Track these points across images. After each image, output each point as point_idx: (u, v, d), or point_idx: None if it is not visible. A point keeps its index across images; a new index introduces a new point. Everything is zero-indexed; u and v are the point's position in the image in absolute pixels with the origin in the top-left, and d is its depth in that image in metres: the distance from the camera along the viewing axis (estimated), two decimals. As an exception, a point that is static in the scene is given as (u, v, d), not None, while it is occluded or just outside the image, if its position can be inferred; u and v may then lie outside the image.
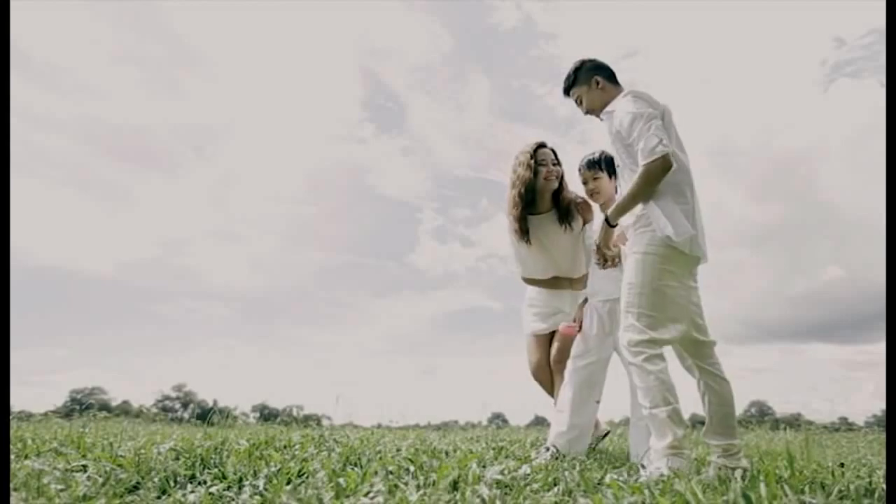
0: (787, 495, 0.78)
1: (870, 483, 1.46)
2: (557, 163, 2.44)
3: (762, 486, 0.78)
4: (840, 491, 1.23)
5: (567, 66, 2.09)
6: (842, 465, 2.26)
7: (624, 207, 1.83)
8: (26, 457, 1.66)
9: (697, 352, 1.81)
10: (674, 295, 1.76)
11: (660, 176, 1.74)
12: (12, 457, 1.65)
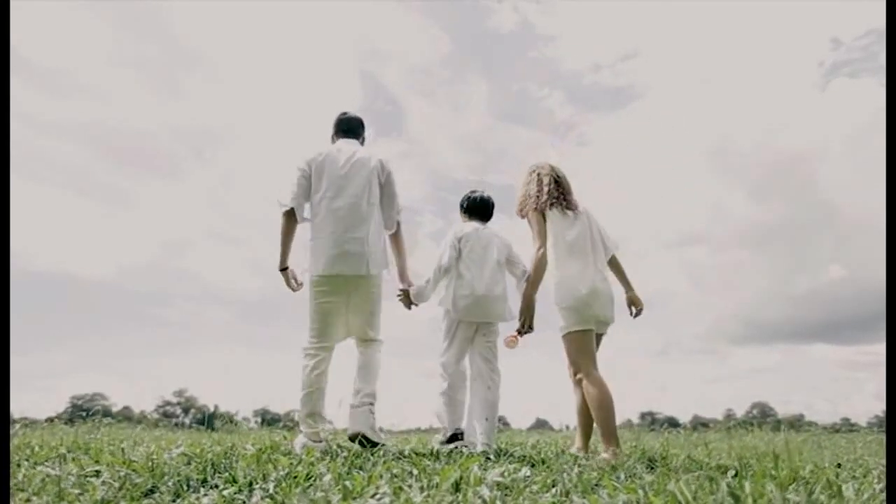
0: (772, 493, 0.82)
1: (862, 483, 1.49)
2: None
3: (747, 485, 0.82)
4: (829, 489, 1.26)
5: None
6: (839, 465, 2.29)
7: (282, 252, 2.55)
8: (37, 463, 1.69)
9: (365, 344, 2.51)
10: (331, 311, 2.39)
11: (283, 226, 2.48)
12: (24, 463, 1.69)
